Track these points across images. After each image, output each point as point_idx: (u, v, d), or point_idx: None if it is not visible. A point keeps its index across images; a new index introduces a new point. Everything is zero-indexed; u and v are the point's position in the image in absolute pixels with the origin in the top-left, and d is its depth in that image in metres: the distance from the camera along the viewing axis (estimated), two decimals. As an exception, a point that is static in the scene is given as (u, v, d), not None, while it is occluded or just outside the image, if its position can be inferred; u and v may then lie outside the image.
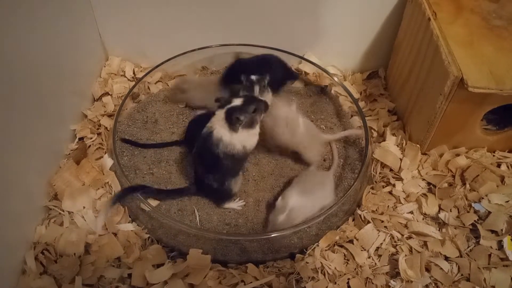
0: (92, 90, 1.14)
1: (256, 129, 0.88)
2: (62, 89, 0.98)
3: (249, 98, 0.88)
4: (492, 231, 0.87)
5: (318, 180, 0.94)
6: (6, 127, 0.78)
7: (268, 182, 0.98)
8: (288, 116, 0.94)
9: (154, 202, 0.93)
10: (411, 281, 0.81)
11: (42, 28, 0.89)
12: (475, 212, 0.90)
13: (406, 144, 1.01)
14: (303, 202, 0.87)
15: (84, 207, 0.90)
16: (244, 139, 0.86)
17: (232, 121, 0.84)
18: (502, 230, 0.87)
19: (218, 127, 0.85)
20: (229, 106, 0.85)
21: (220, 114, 0.85)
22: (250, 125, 0.86)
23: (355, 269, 0.84)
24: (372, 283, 0.82)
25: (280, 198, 0.88)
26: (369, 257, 0.86)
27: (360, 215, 0.90)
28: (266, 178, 0.99)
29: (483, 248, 0.85)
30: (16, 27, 0.80)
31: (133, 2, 1.10)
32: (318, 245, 0.87)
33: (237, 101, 0.86)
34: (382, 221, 0.90)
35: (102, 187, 0.94)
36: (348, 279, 0.82)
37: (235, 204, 0.94)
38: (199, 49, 1.14)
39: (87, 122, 1.07)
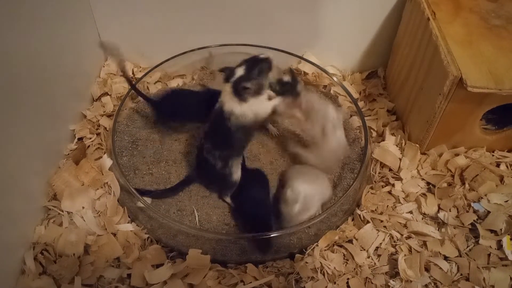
0: (91, 90, 1.14)
1: (265, 95, 0.88)
2: (61, 89, 0.98)
3: (250, 62, 0.87)
4: (492, 231, 0.87)
5: (313, 173, 0.93)
6: (6, 127, 0.78)
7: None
8: (328, 119, 0.90)
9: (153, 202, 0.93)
10: (411, 281, 0.81)
11: (42, 29, 0.89)
12: (475, 211, 0.90)
13: (405, 144, 1.01)
14: (313, 189, 0.87)
15: (83, 207, 0.89)
16: (255, 106, 0.87)
17: (240, 92, 0.84)
18: (501, 229, 0.87)
19: (227, 100, 0.86)
20: (233, 78, 0.85)
21: (227, 87, 0.86)
22: (258, 91, 0.86)
23: (354, 269, 0.84)
24: (372, 283, 0.82)
25: (288, 189, 0.87)
26: (368, 257, 0.86)
27: (359, 215, 0.90)
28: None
29: (483, 247, 0.85)
30: (15, 27, 0.80)
31: (132, 2, 1.10)
32: (317, 245, 0.86)
33: (240, 70, 0.86)
34: (382, 221, 0.90)
35: (101, 187, 0.94)
36: (348, 279, 0.82)
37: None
38: (198, 49, 1.13)
39: (86, 122, 1.07)
